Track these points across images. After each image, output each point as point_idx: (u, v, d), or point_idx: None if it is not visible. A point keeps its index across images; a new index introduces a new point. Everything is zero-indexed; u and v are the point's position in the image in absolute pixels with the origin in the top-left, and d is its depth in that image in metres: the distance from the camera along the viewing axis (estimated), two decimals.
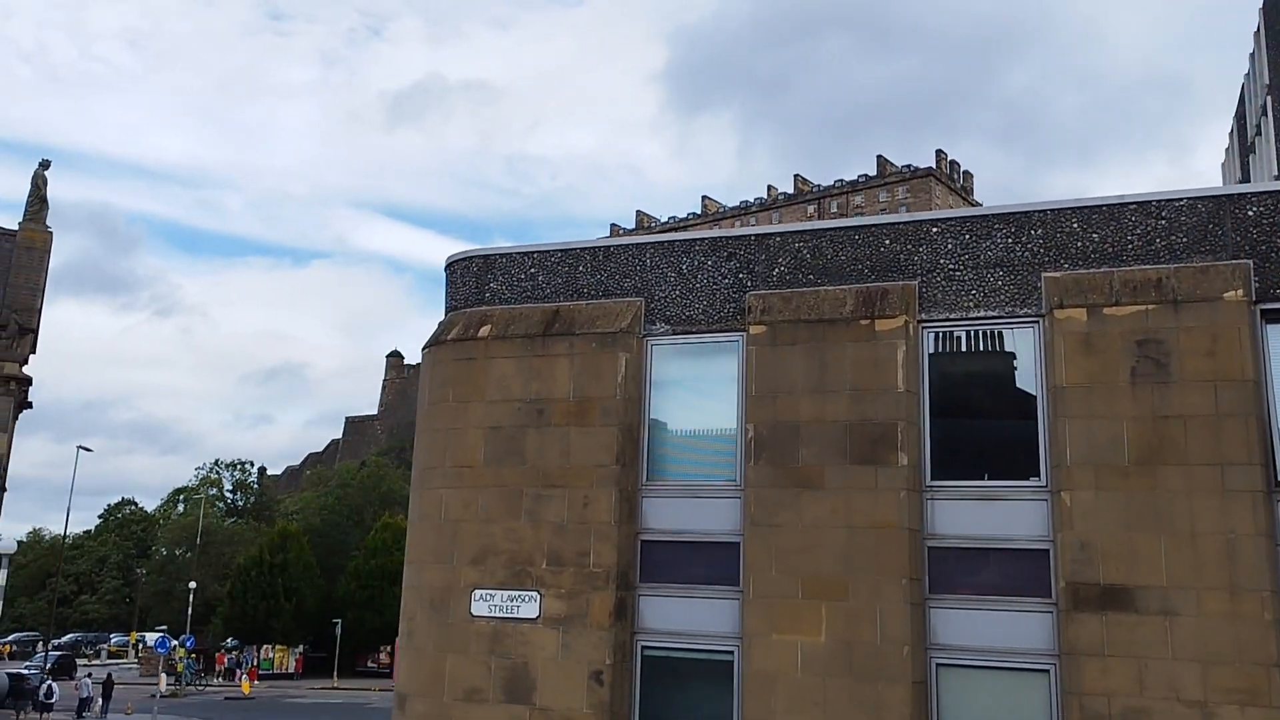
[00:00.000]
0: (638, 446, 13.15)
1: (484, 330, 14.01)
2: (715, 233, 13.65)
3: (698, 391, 13.35)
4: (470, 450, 13.63)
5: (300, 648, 70.40)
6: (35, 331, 39.50)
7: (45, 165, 41.09)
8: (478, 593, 13.19)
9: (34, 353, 39.97)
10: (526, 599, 12.96)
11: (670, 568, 12.86)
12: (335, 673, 64.34)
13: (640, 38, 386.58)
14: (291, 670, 68.83)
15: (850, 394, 12.07)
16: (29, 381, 38.76)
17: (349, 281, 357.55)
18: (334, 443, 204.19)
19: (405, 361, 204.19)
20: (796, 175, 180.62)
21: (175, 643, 64.13)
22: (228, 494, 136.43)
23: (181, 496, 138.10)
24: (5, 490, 38.63)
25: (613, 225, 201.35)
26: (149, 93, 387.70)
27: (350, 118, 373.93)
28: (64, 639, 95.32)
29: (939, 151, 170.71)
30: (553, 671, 12.64)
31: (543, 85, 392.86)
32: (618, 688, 12.44)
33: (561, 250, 14.18)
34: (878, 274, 12.53)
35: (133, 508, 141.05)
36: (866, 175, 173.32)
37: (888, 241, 12.58)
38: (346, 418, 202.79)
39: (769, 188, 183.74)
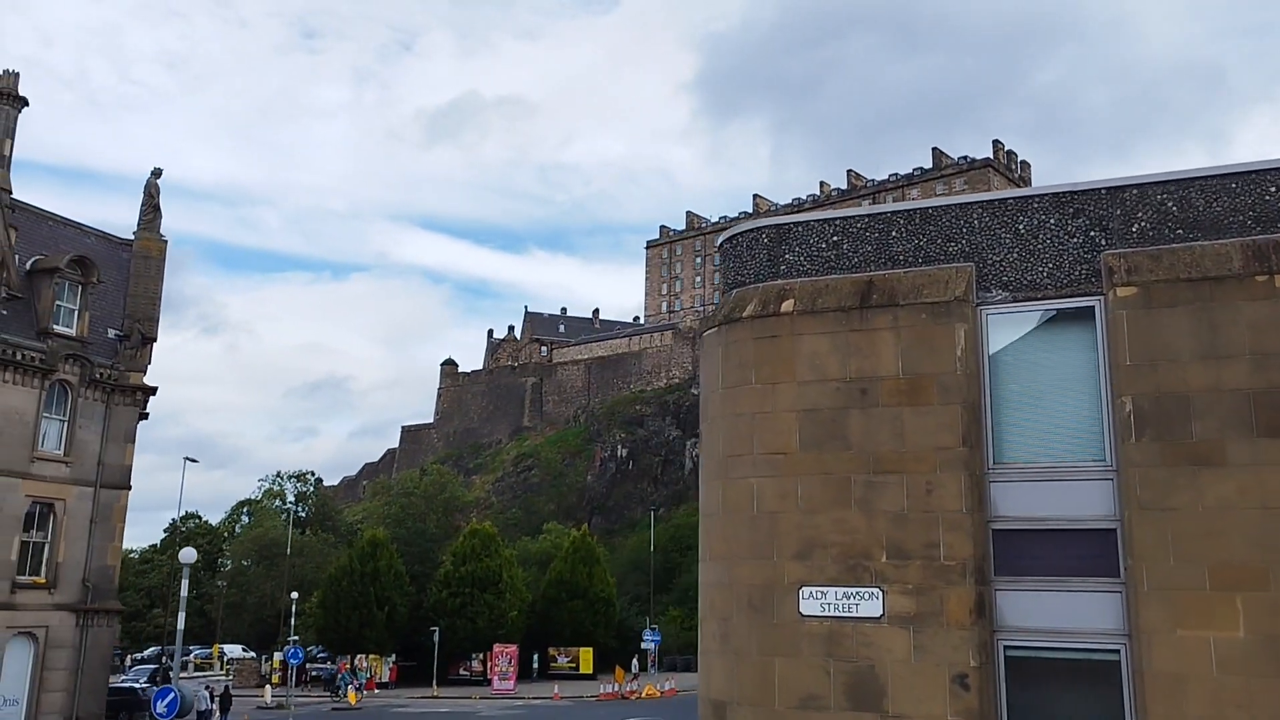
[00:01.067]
0: (981, 426, 11.93)
1: (786, 305, 12.86)
2: (1056, 187, 12.40)
3: (1044, 363, 12.08)
4: (783, 435, 12.47)
5: (392, 656, 69.79)
6: (155, 341, 38.99)
7: (157, 174, 40.58)
8: (806, 590, 12.03)
9: (150, 363, 39.46)
10: (866, 596, 11.77)
11: (1028, 559, 11.62)
12: (434, 681, 63.57)
13: (669, 45, 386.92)
14: (385, 680, 68.19)
15: (1251, 359, 10.78)
16: (152, 391, 38.24)
17: (388, 293, 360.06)
18: (390, 452, 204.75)
19: (460, 369, 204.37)
20: (849, 170, 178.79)
21: (267, 654, 63.50)
22: (290, 505, 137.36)
23: (246, 509, 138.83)
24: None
25: (662, 227, 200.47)
26: (186, 114, 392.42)
27: (386, 134, 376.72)
28: (145, 653, 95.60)
29: (996, 142, 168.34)
30: (905, 675, 11.44)
31: (574, 95, 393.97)
32: (984, 692, 11.22)
33: (869, 215, 13.01)
34: (1264, 225, 11.23)
35: (196, 521, 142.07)
36: (921, 168, 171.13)
37: (1273, 189, 11.28)
38: (402, 427, 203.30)
39: (821, 184, 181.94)
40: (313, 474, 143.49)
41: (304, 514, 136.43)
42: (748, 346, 12.97)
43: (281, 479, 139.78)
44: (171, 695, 21.20)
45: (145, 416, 39.60)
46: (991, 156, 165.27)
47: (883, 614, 11.68)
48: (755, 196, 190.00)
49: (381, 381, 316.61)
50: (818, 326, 12.61)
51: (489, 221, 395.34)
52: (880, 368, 12.22)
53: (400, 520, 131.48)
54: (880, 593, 11.73)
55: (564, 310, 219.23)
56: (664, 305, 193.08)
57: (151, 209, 40.28)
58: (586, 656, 72.31)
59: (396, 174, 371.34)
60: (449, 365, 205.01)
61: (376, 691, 60.17)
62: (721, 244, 14.10)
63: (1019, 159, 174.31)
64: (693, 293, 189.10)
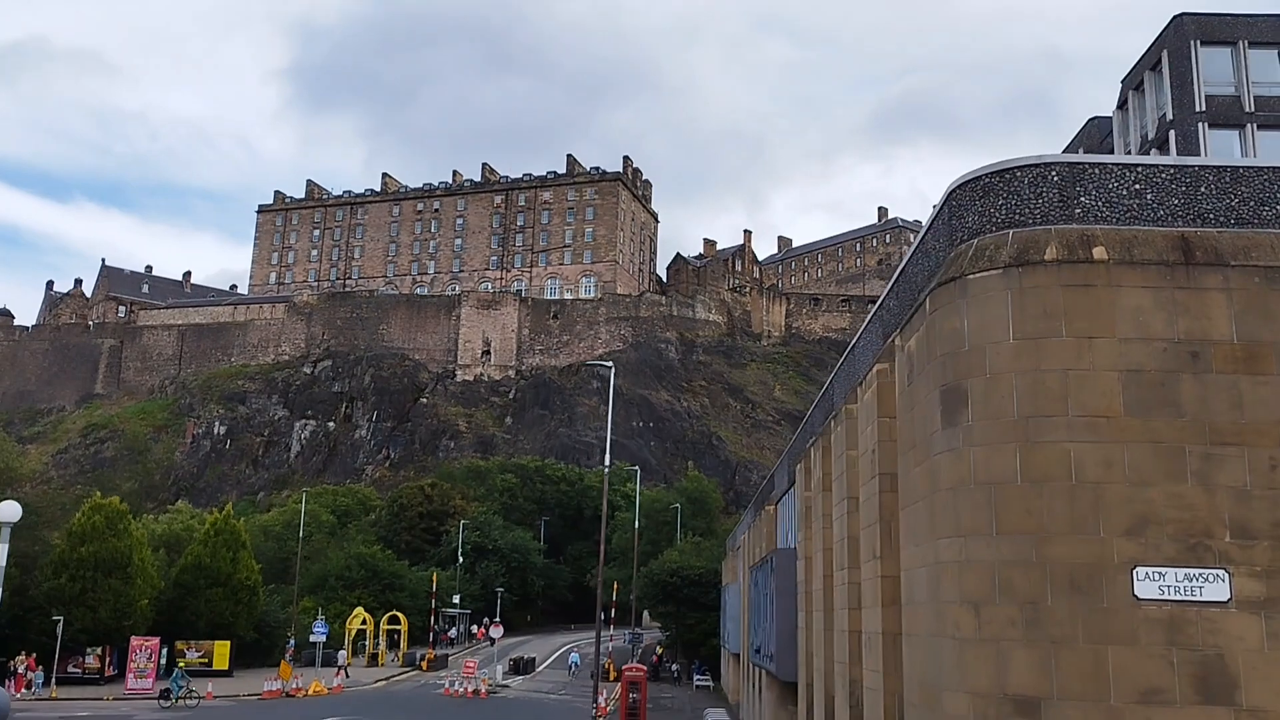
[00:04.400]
0: None
1: (1098, 252, 11.50)
2: None
3: None
4: (1106, 397, 11.10)
5: None
6: None
7: None
8: (1141, 570, 10.73)
9: None
10: (1210, 578, 10.70)
11: None
12: (53, 680, 53.47)
13: (259, 18, 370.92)
14: None
15: None
16: None
17: None
18: None
19: (16, 322, 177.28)
20: (485, 164, 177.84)
21: None
22: None
23: None
24: None
25: (277, 193, 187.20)
26: None
27: None
28: None
29: (626, 158, 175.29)
30: (1259, 665, 10.50)
31: (147, 44, 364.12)
32: None
33: (1175, 167, 11.98)
34: None
35: None
36: (555, 172, 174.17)
37: None
38: None
39: (455, 173, 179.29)
40: None
41: None
42: (1054, 294, 11.43)
43: None
44: None
45: None
46: (622, 171, 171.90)
47: (1229, 598, 10.66)
48: (384, 175, 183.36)
49: None
50: (1137, 279, 11.39)
51: (25, 162, 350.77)
52: (1211, 331, 11.24)
53: None
54: (1226, 575, 10.71)
55: (149, 269, 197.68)
56: (273, 276, 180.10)
57: None
58: (223, 651, 64.39)
59: None
60: (2, 316, 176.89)
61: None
62: (976, 179, 12.42)
63: (643, 177, 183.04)
64: (308, 265, 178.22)
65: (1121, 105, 43.68)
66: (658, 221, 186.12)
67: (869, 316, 18.45)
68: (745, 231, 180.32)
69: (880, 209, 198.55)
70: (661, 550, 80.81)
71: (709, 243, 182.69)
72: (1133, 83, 42.54)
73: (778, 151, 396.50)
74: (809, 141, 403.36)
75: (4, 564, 18.55)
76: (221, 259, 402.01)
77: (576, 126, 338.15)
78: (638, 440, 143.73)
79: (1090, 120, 48.06)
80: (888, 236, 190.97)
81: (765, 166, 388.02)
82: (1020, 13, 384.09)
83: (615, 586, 78.44)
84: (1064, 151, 50.72)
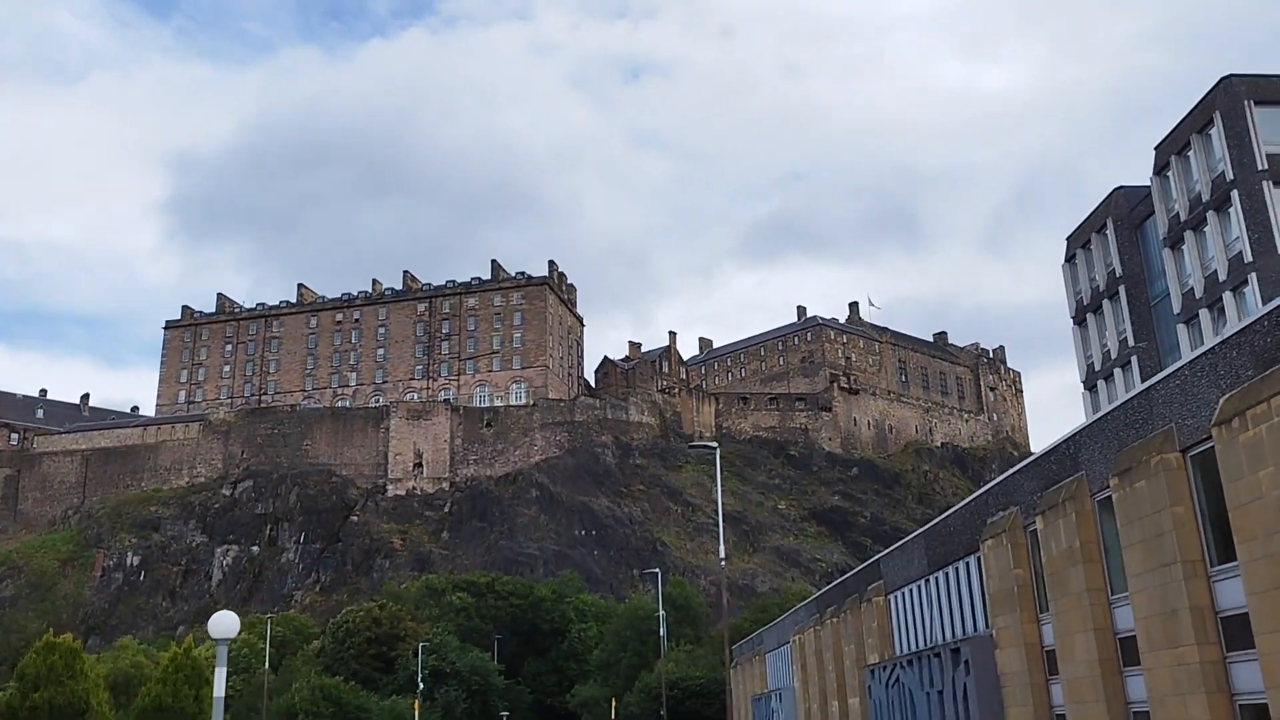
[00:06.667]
0: None
1: None
2: None
3: None
4: None
5: None
6: None
7: None
8: None
9: None
10: None
11: None
12: None
13: (136, 145, 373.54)
14: None
15: None
16: None
17: None
18: None
19: None
20: (406, 271, 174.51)
21: None
22: None
23: None
24: None
25: (185, 308, 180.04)
26: None
27: None
28: None
29: (551, 262, 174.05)
30: None
31: (24, 176, 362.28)
32: None
33: None
34: None
35: None
36: (480, 278, 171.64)
37: None
38: None
39: (374, 281, 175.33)
40: None
41: None
42: None
43: None
44: None
45: None
46: (548, 275, 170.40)
47: None
48: (300, 285, 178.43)
49: None
50: None
51: None
52: None
53: None
54: None
55: (44, 392, 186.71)
56: (182, 395, 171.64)
57: None
58: None
59: None
60: None
61: None
62: None
63: (568, 281, 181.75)
64: (219, 382, 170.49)
65: (1160, 171, 43.44)
66: (584, 325, 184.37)
67: (1200, 350, 16.18)
68: (670, 333, 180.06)
69: (799, 308, 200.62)
70: (649, 663, 76.41)
71: (634, 345, 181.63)
72: (1173, 147, 42.34)
73: (661, 265, 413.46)
74: (690, 256, 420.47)
75: (222, 695, 14.59)
76: (102, 384, 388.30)
77: (463, 245, 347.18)
78: (580, 550, 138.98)
79: (1116, 189, 47.84)
80: (809, 334, 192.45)
81: (650, 280, 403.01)
82: (879, 129, 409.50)
83: (614, 704, 73.48)
84: (1084, 223, 50.48)
